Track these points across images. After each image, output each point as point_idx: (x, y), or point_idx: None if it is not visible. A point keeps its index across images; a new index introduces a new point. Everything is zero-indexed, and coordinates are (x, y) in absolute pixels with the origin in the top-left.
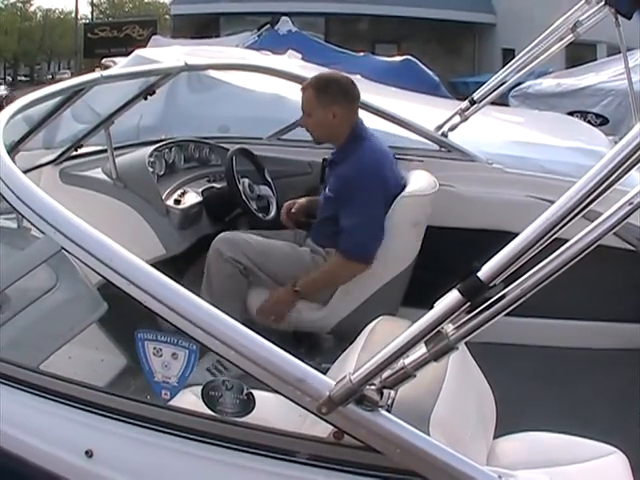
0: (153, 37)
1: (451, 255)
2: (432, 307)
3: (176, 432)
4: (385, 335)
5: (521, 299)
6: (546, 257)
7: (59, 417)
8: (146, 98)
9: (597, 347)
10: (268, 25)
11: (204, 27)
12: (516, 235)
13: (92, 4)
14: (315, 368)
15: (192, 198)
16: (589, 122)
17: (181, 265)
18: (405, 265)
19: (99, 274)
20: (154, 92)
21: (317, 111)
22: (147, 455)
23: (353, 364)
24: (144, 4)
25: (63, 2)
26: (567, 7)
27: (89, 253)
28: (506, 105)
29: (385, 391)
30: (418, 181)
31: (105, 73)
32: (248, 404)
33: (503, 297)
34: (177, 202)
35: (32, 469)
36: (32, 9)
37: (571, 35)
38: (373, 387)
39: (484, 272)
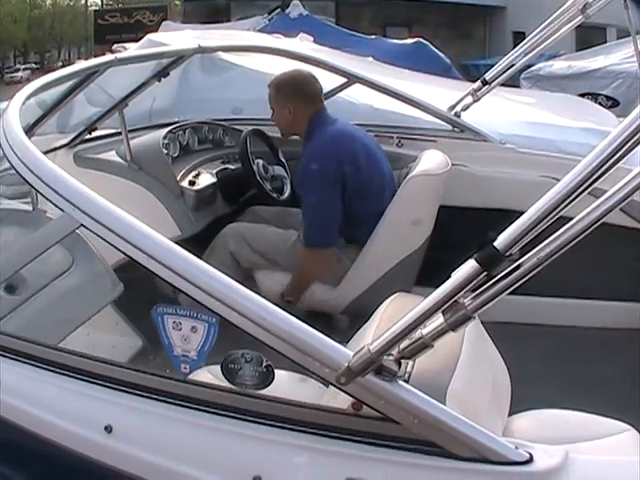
0: (164, 23)
1: (464, 234)
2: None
3: (195, 406)
4: (401, 311)
5: (537, 268)
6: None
7: (77, 394)
8: (160, 80)
9: (611, 326)
10: (279, 9)
11: (215, 12)
12: None
13: None
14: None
15: (206, 179)
16: (600, 104)
17: (196, 246)
18: (418, 244)
19: (118, 249)
20: (168, 74)
21: (276, 108)
22: (167, 429)
23: (370, 340)
24: None
25: None
26: None
27: (108, 229)
28: (517, 87)
29: (403, 362)
30: (430, 160)
31: (119, 55)
32: (267, 376)
33: (519, 267)
34: (192, 183)
35: (51, 447)
36: None
37: (581, 17)
38: (391, 357)
39: (500, 241)
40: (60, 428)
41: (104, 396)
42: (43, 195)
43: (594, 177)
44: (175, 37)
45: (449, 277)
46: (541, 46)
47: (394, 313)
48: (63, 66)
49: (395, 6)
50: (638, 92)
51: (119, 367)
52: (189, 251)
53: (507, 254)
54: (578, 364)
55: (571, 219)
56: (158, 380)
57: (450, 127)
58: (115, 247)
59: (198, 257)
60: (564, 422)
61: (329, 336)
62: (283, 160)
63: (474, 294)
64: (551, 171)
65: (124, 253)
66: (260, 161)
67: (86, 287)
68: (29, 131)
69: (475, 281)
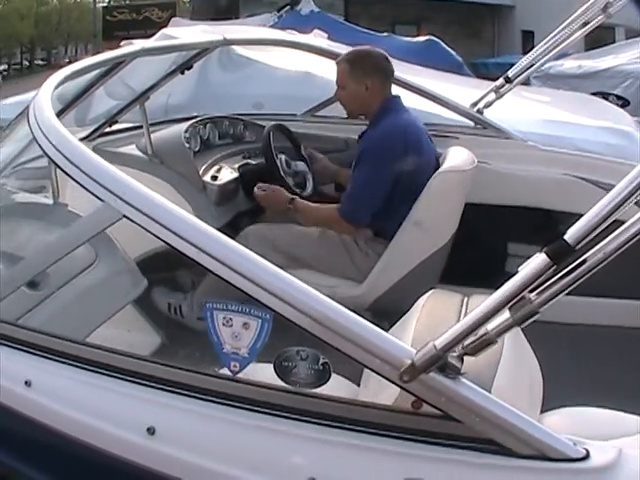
0: (172, 19)
1: (488, 232)
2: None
3: (246, 405)
4: (440, 307)
5: (602, 263)
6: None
7: (115, 393)
8: (183, 72)
9: (629, 325)
10: (288, 6)
11: (223, 9)
12: (554, 213)
13: None
14: None
15: (228, 174)
16: (610, 103)
17: None
18: (444, 241)
19: (167, 243)
20: (191, 67)
21: (350, 84)
22: (214, 430)
23: (410, 337)
24: None
25: None
26: None
27: (155, 221)
28: (527, 85)
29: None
30: (456, 157)
31: (146, 45)
32: (324, 374)
33: (585, 261)
34: (214, 178)
35: (90, 450)
36: None
37: (602, 16)
38: (455, 354)
39: (570, 235)
40: (99, 430)
41: (145, 396)
42: (81, 184)
43: None
44: (189, 32)
45: (511, 274)
46: (562, 45)
47: (434, 309)
48: (70, 63)
49: (404, 4)
50: None
51: (161, 365)
52: None
53: (577, 248)
54: (608, 363)
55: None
56: (204, 378)
57: (472, 124)
58: (163, 241)
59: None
60: (595, 419)
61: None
62: (305, 156)
63: (540, 289)
64: (574, 169)
65: (172, 246)
66: (283, 156)
67: (110, 283)
68: None
69: (544, 275)
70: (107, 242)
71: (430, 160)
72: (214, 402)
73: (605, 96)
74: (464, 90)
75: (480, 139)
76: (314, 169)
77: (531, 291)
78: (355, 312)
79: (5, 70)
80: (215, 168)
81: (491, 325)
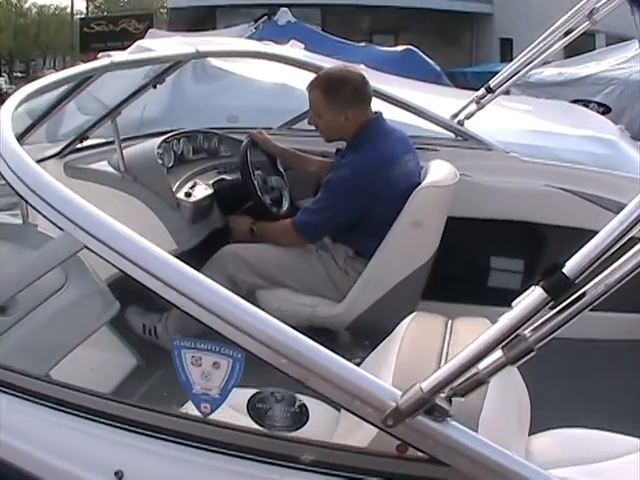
0: (150, 31)
1: (469, 246)
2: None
3: (216, 448)
4: (423, 333)
5: (604, 295)
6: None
7: (82, 433)
8: (155, 87)
9: (625, 338)
10: (265, 17)
11: (200, 20)
12: (536, 225)
13: None
14: None
15: (203, 190)
16: (591, 110)
17: (193, 260)
18: (426, 258)
19: (129, 276)
20: (164, 80)
21: (328, 114)
22: (185, 474)
23: (392, 368)
24: None
25: None
26: None
27: (116, 252)
28: (507, 94)
29: (454, 399)
30: (438, 172)
31: (115, 60)
32: (301, 417)
33: (585, 294)
34: (188, 195)
35: None
36: (27, 5)
37: (587, 22)
38: (443, 395)
39: (569, 268)
40: (65, 472)
41: (114, 437)
42: (40, 212)
43: None
44: (164, 44)
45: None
46: (546, 53)
47: (417, 335)
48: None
49: (381, 14)
50: (629, 98)
51: (131, 406)
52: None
53: (576, 281)
54: (594, 379)
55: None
56: (175, 420)
57: (453, 135)
58: (125, 273)
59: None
60: (584, 441)
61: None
62: (281, 170)
63: (536, 325)
64: (556, 180)
65: (134, 279)
66: (259, 172)
67: (81, 306)
68: (18, 140)
69: (542, 311)
70: (77, 264)
71: (411, 179)
72: (185, 445)
73: (586, 103)
74: (442, 100)
75: (461, 151)
76: (255, 149)
77: (526, 326)
78: (334, 331)
79: None
80: (189, 184)
81: (483, 364)
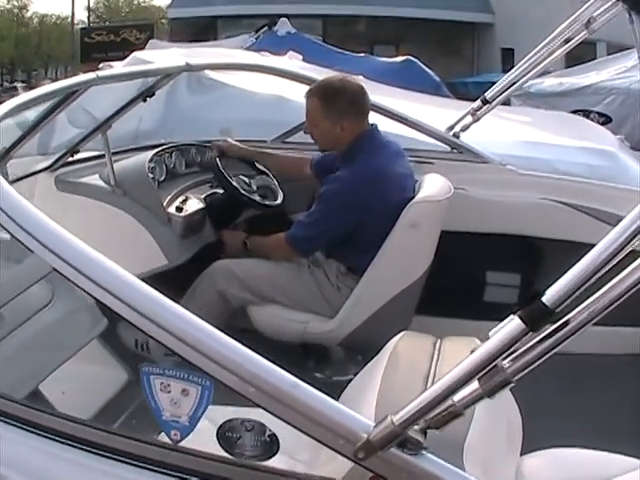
0: (150, 41)
1: (465, 260)
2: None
3: (185, 475)
4: (410, 353)
5: (587, 324)
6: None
7: (52, 456)
8: (145, 100)
9: (620, 353)
10: (266, 27)
11: (201, 30)
12: (533, 239)
13: (89, 9)
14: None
15: (194, 205)
16: (592, 121)
17: (184, 275)
18: (419, 274)
19: (98, 300)
20: (153, 94)
21: (324, 123)
22: None
23: (377, 385)
24: (141, 8)
25: (60, 7)
26: (566, 6)
27: (86, 276)
28: (507, 104)
29: (429, 431)
30: (431, 186)
31: (101, 73)
32: (271, 446)
33: (567, 323)
34: (179, 209)
35: None
36: (29, 14)
37: (585, 32)
38: (417, 427)
39: (549, 297)
40: None
41: (86, 461)
42: (10, 232)
43: None
44: (162, 55)
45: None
46: (544, 63)
47: (404, 355)
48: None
49: (382, 24)
50: (630, 108)
51: (103, 431)
52: (177, 281)
53: (557, 310)
54: (588, 394)
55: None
56: (145, 447)
57: (448, 148)
58: (94, 297)
59: (195, 314)
60: (577, 462)
61: (324, 371)
62: (262, 168)
63: (515, 355)
64: (553, 193)
65: (102, 303)
66: (241, 177)
67: (67, 323)
68: (6, 155)
69: (520, 342)
70: (64, 280)
71: (405, 193)
72: (155, 471)
73: (586, 114)
74: (440, 111)
75: (456, 164)
76: (226, 158)
77: (504, 357)
78: (327, 347)
79: None
80: (181, 199)
81: (458, 396)
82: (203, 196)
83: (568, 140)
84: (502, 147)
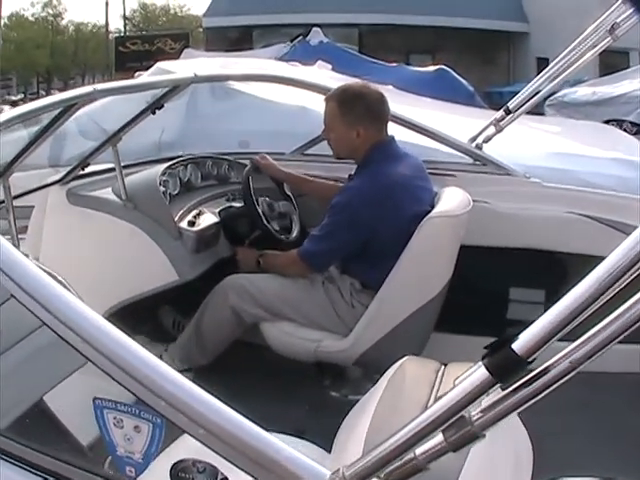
0: (185, 50)
1: (487, 276)
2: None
3: None
4: (410, 380)
5: (570, 374)
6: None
7: None
8: (154, 113)
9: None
10: (301, 37)
11: (237, 40)
12: (558, 254)
13: (125, 17)
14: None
15: (208, 219)
16: (625, 130)
17: (196, 291)
18: (437, 291)
19: (50, 328)
20: (162, 106)
21: (340, 128)
22: None
23: (370, 415)
24: (178, 17)
25: (95, 16)
26: (600, 15)
27: (40, 304)
28: (542, 114)
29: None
30: (449, 200)
31: (99, 86)
32: None
33: (546, 371)
34: (191, 224)
35: None
36: (64, 23)
37: (609, 38)
38: None
39: (521, 344)
40: None
41: None
42: None
43: None
44: (187, 66)
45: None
46: (567, 71)
47: (403, 382)
48: None
49: (418, 33)
50: None
51: (58, 460)
52: (188, 297)
53: (530, 359)
54: (606, 415)
55: None
56: None
57: (471, 160)
58: (48, 326)
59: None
60: None
61: (340, 390)
62: (289, 193)
63: (484, 406)
64: (579, 206)
65: (55, 332)
66: (265, 199)
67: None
68: (8, 168)
69: (487, 393)
70: None
71: (421, 207)
72: None
73: (619, 123)
74: (470, 122)
75: (479, 176)
76: (260, 175)
77: (475, 407)
78: (342, 366)
79: (22, 99)
80: (194, 213)
81: (420, 450)
82: (218, 210)
83: (598, 151)
84: (530, 158)
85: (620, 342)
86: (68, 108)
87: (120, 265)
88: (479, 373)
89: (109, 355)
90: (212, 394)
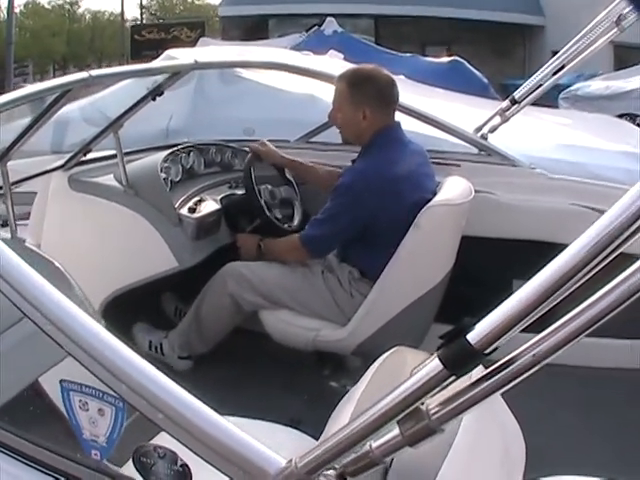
0: (201, 39)
1: (491, 267)
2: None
3: None
4: (395, 372)
5: (535, 367)
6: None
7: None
8: (154, 99)
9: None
10: (316, 27)
11: (253, 29)
12: (561, 246)
13: (141, 6)
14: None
15: (210, 206)
16: (638, 125)
17: (197, 278)
18: (437, 281)
19: (23, 313)
20: (162, 93)
21: (347, 108)
22: None
23: (353, 405)
24: (195, 6)
25: (112, 4)
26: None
27: (14, 289)
28: (556, 107)
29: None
30: (451, 189)
31: (94, 72)
32: (184, 476)
33: (509, 364)
34: (192, 210)
35: None
36: (80, 11)
37: (615, 29)
38: (332, 472)
39: (476, 334)
40: None
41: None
42: None
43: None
44: (196, 54)
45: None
46: (574, 62)
47: (388, 374)
48: None
49: (434, 25)
50: None
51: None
52: (187, 284)
53: (487, 351)
54: (601, 412)
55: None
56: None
57: (476, 150)
58: (21, 310)
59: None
60: None
61: (339, 380)
62: (291, 178)
63: (442, 399)
64: (583, 199)
65: (28, 317)
66: (267, 186)
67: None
68: (5, 154)
69: (443, 384)
70: (61, 279)
71: (422, 194)
72: None
73: (632, 117)
74: (482, 113)
75: (483, 167)
76: (261, 162)
77: (434, 400)
78: (340, 355)
79: None
80: (195, 199)
81: (376, 443)
82: (220, 197)
83: (607, 143)
84: (538, 150)
85: (616, 337)
86: (64, 93)
87: (120, 251)
88: (434, 364)
89: (73, 337)
90: (211, 381)
